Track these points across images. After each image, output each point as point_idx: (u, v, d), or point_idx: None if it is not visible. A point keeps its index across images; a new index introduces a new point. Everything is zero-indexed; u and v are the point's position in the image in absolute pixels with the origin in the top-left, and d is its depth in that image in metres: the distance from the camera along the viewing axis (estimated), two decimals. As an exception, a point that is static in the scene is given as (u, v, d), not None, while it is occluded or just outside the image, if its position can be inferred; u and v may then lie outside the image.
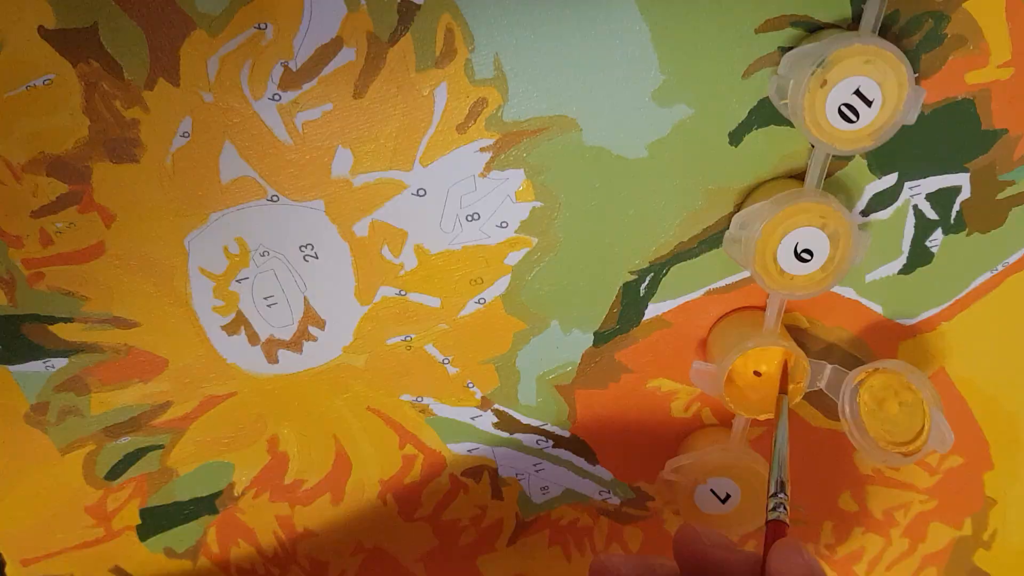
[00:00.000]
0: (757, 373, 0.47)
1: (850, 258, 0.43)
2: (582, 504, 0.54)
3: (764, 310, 0.46)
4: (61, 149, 0.42)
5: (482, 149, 0.44)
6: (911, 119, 0.40)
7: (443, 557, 0.55)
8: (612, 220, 0.46)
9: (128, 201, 0.43)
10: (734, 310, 0.48)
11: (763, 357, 0.46)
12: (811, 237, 0.42)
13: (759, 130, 0.44)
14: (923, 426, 0.45)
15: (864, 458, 0.47)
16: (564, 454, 0.52)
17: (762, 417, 0.46)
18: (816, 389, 0.47)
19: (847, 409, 0.45)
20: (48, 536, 0.51)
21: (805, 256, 0.43)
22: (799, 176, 0.44)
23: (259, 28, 0.41)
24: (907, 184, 0.46)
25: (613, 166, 0.44)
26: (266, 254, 0.45)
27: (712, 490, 0.48)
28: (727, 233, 0.45)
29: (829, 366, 0.46)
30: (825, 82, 0.39)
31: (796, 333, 0.49)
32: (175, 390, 0.48)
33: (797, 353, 0.45)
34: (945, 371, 0.51)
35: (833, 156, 0.43)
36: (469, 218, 0.45)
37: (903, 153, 0.45)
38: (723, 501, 0.49)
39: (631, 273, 0.47)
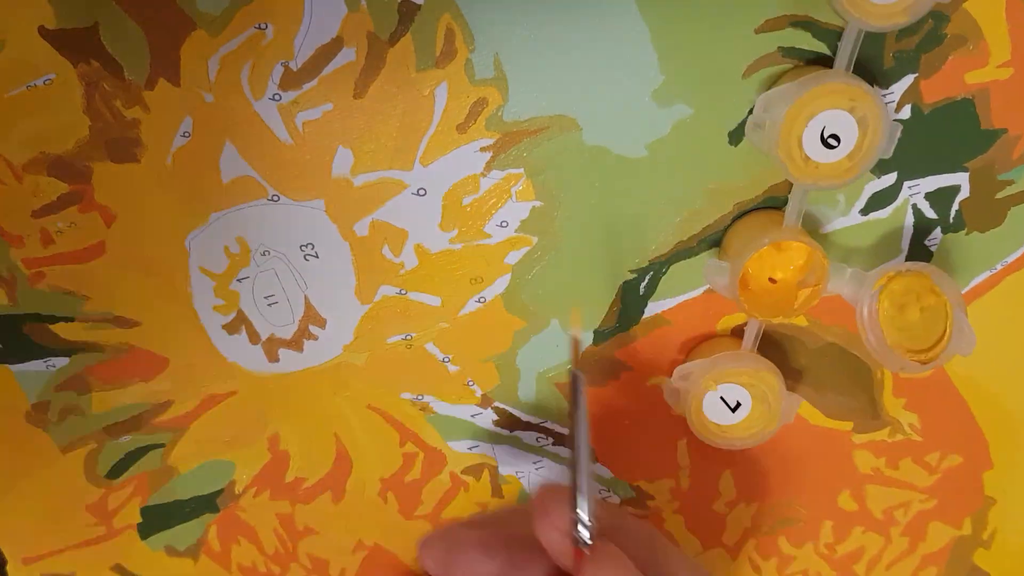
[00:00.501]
0: (772, 280, 0.45)
1: (879, 146, 0.41)
2: (582, 502, 0.54)
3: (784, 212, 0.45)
4: (62, 149, 0.42)
5: (482, 149, 0.44)
6: None
7: (444, 555, 0.55)
8: (612, 219, 0.46)
9: (129, 201, 0.44)
10: (753, 209, 0.47)
11: (780, 261, 0.45)
12: (839, 121, 0.40)
13: (759, 130, 0.44)
14: (945, 330, 0.44)
15: (882, 364, 0.45)
16: (564, 452, 0.52)
17: (776, 321, 0.45)
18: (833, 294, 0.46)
19: (865, 315, 0.44)
20: (49, 534, 0.51)
21: (832, 142, 0.41)
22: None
23: (259, 28, 0.41)
24: (906, 183, 0.46)
25: (613, 165, 0.44)
26: (267, 253, 0.45)
27: (722, 398, 0.47)
28: (750, 118, 0.43)
29: (849, 269, 0.45)
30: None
31: (795, 331, 0.49)
32: (176, 389, 0.48)
33: (818, 251, 0.43)
34: (944, 370, 0.51)
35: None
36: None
37: (902, 152, 0.45)
38: (733, 410, 0.47)
39: (631, 272, 0.47)
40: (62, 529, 0.51)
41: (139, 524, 0.52)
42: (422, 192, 0.44)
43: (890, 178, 0.46)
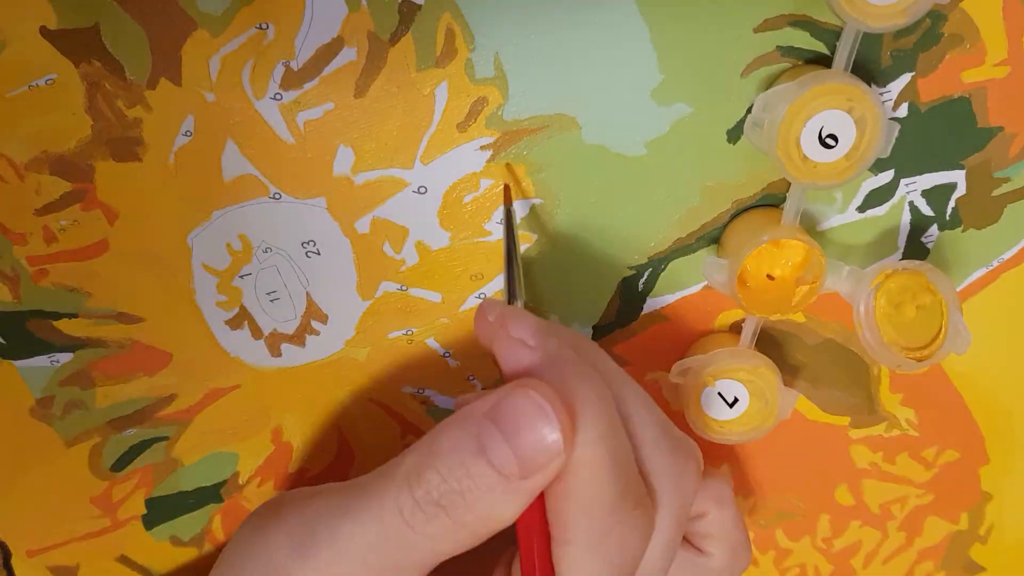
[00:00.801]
0: (770, 277, 0.46)
1: (876, 146, 0.41)
2: (582, 496, 0.54)
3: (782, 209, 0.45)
4: (64, 148, 0.42)
5: (482, 147, 0.44)
6: None
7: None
8: (611, 217, 0.46)
9: (131, 199, 0.44)
10: (752, 207, 0.47)
11: (778, 258, 0.45)
12: (837, 121, 0.40)
13: (757, 128, 0.44)
14: (940, 329, 0.44)
15: (878, 361, 0.45)
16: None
17: (774, 317, 0.45)
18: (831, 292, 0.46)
19: (862, 313, 0.44)
20: (54, 527, 0.51)
21: (829, 142, 0.41)
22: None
23: (260, 28, 0.41)
24: (903, 181, 0.46)
25: (612, 164, 0.44)
26: (269, 250, 0.45)
27: (720, 393, 0.47)
28: (749, 117, 0.44)
29: (847, 266, 0.45)
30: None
31: (793, 327, 0.50)
32: (179, 383, 0.48)
33: (816, 249, 0.44)
34: (941, 366, 0.51)
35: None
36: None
37: (899, 150, 0.45)
38: (731, 405, 0.48)
39: (630, 268, 0.47)
40: (67, 521, 0.51)
41: (144, 515, 0.52)
42: (423, 190, 0.44)
43: (887, 175, 0.46)
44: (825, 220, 0.47)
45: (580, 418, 0.34)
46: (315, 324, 0.47)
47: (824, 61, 0.43)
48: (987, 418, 0.53)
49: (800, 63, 0.43)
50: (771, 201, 0.46)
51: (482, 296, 0.47)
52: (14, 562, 0.51)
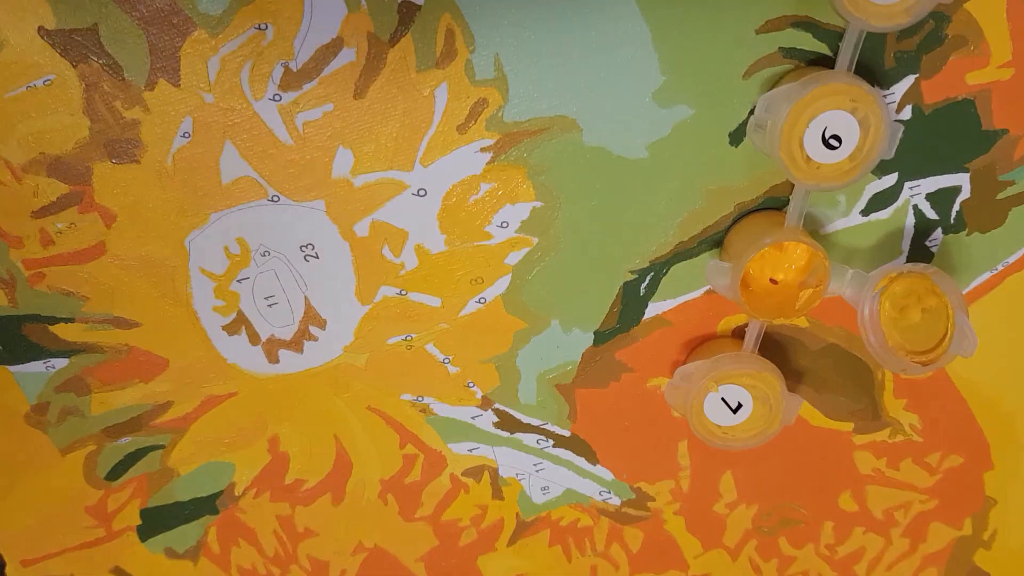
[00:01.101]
0: (774, 281, 0.45)
1: (880, 147, 0.41)
2: (582, 504, 0.54)
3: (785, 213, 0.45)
4: (61, 150, 0.42)
5: (482, 149, 0.44)
6: None
7: (443, 557, 0.55)
8: (612, 220, 0.46)
9: (129, 201, 0.43)
10: (755, 210, 0.47)
11: (781, 262, 0.45)
12: (840, 122, 0.40)
13: (759, 130, 0.44)
14: (946, 332, 0.43)
15: (883, 365, 0.45)
16: (565, 454, 0.52)
17: (777, 322, 0.45)
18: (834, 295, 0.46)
19: (866, 317, 0.44)
20: (48, 536, 0.51)
21: (833, 143, 0.40)
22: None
23: (259, 28, 0.41)
24: (907, 184, 0.46)
25: (613, 166, 0.44)
26: (267, 254, 0.45)
27: (723, 399, 0.47)
28: (751, 119, 0.43)
29: (850, 270, 0.45)
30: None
31: (796, 332, 0.49)
32: (176, 390, 0.48)
33: (820, 252, 0.43)
34: (945, 371, 0.51)
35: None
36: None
37: (903, 153, 0.45)
38: (734, 411, 0.47)
39: (631, 272, 0.47)
40: (61, 531, 0.51)
41: (139, 526, 0.52)
42: (422, 193, 0.44)
43: (891, 179, 0.46)
44: (829, 224, 0.46)
45: None
46: (313, 330, 0.47)
47: (827, 63, 0.43)
48: (991, 423, 0.53)
49: (802, 64, 0.43)
50: (774, 204, 0.46)
51: (482, 301, 0.47)
52: (9, 571, 0.51)
